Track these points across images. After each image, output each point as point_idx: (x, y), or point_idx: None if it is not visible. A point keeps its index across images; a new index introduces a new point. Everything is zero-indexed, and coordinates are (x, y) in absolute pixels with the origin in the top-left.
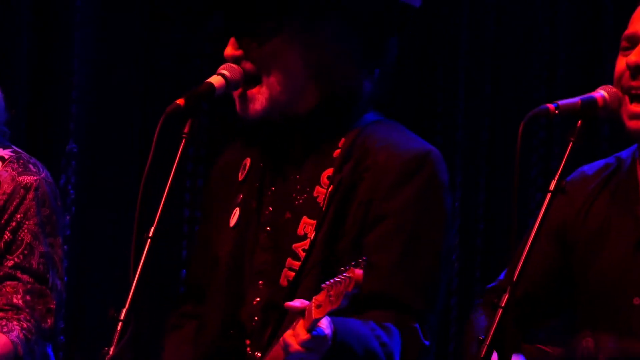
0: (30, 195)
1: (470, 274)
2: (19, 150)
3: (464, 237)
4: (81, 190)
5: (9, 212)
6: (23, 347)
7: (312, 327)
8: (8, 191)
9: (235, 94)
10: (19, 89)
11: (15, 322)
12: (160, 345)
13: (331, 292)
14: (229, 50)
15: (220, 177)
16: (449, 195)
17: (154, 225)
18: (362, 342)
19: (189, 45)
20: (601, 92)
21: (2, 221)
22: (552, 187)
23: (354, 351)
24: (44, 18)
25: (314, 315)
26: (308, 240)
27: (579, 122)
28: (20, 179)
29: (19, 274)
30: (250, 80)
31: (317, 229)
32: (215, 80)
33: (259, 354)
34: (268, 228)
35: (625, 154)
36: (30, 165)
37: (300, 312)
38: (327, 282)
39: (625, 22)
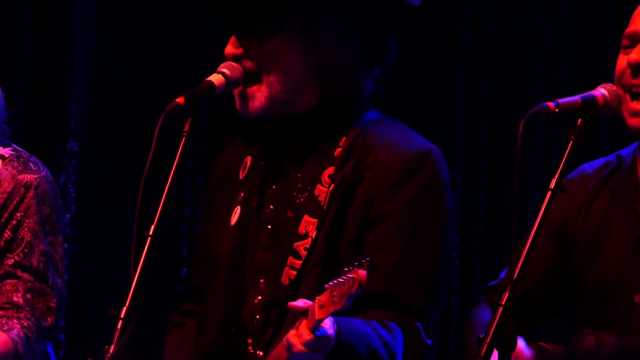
0: (31, 193)
1: (471, 273)
2: (19, 148)
3: (464, 236)
4: (81, 188)
5: (9, 210)
6: (23, 345)
7: (316, 327)
8: (8, 190)
9: (235, 92)
10: (19, 89)
11: (15, 321)
12: (161, 344)
13: (334, 293)
14: (230, 49)
15: (221, 176)
16: (450, 193)
17: (154, 223)
18: (364, 341)
19: (189, 45)
20: (601, 91)
21: (3, 220)
22: (552, 185)
23: (356, 351)
24: (44, 18)
25: (317, 316)
26: (309, 239)
27: (579, 120)
28: (20, 177)
29: (19, 273)
30: (251, 78)
31: (319, 228)
32: (216, 78)
33: (261, 353)
34: (269, 226)
35: (625, 152)
36: (31, 164)
37: (303, 312)
38: (331, 283)
39: (625, 21)
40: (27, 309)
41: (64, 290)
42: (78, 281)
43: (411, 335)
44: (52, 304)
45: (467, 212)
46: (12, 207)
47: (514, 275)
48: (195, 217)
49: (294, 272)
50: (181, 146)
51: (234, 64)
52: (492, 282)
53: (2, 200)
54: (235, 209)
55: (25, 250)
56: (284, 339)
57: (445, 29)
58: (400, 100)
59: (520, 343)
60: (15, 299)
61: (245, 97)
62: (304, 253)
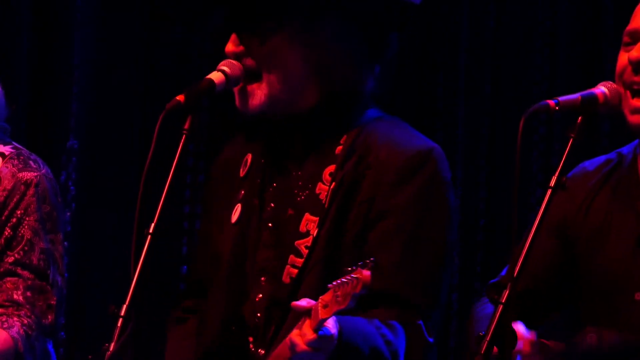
0: (31, 191)
1: (471, 270)
2: (19, 146)
3: (465, 233)
4: (81, 186)
5: (9, 208)
6: (23, 343)
7: (319, 327)
8: (8, 187)
9: (235, 89)
10: (19, 89)
11: (15, 318)
12: (162, 341)
13: (338, 293)
14: (230, 47)
15: (221, 174)
16: (451, 192)
17: (155, 221)
18: (367, 340)
19: (189, 45)
20: (601, 89)
21: (3, 217)
22: (552, 183)
23: (359, 350)
24: (44, 18)
25: (320, 315)
26: (311, 237)
27: (580, 118)
28: (20, 175)
29: (19, 270)
30: (251, 76)
31: (320, 226)
32: (216, 76)
33: (262, 351)
34: (270, 224)
35: (626, 149)
36: (31, 162)
37: (306, 312)
38: (334, 282)
39: (625, 21)
40: (28, 306)
41: (64, 288)
42: (78, 279)
43: (413, 333)
44: (52, 302)
45: (467, 210)
46: (12, 204)
47: (514, 273)
48: (196, 214)
49: (295, 271)
50: (181, 144)
51: (234, 61)
52: (493, 280)
53: (2, 198)
54: (236, 207)
55: (26, 248)
56: (287, 338)
57: (445, 29)
58: (400, 98)
59: (520, 327)
60: (15, 296)
61: (245, 94)
62: (305, 251)
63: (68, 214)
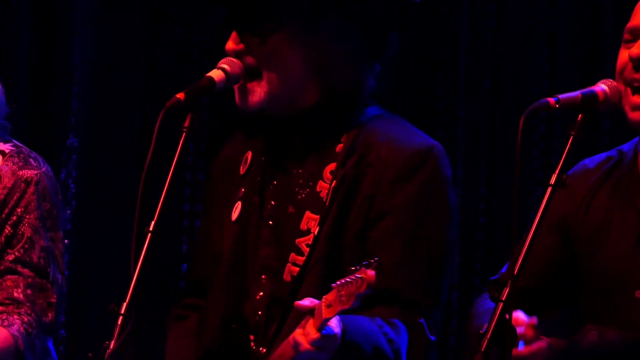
0: (31, 189)
1: (471, 268)
2: (19, 144)
3: (465, 231)
4: (82, 184)
5: (9, 206)
6: (24, 341)
7: (322, 326)
8: (9, 185)
9: (235, 86)
10: (19, 89)
11: (15, 316)
12: (162, 338)
13: (342, 292)
14: (230, 45)
15: (221, 172)
16: (452, 189)
17: (155, 219)
18: (370, 339)
19: (189, 45)
20: (602, 86)
21: (3, 215)
22: (552, 181)
23: (362, 349)
24: (44, 18)
25: (324, 315)
26: (311, 235)
27: (580, 116)
28: (20, 173)
29: (19, 268)
30: (251, 74)
31: (321, 224)
32: (216, 74)
33: (264, 350)
34: (270, 222)
35: (626, 147)
36: (31, 160)
37: (310, 311)
38: (338, 282)
39: (625, 21)
40: (28, 304)
41: (64, 286)
42: (79, 277)
43: (415, 332)
44: (52, 300)
45: (467, 208)
46: (12, 202)
47: (514, 270)
48: (196, 213)
49: (297, 269)
50: (181, 142)
51: (234, 59)
52: (494, 276)
53: (2, 196)
54: (236, 205)
55: (26, 246)
56: (291, 337)
57: (445, 29)
58: (401, 96)
59: (520, 313)
60: (15, 294)
61: (245, 92)
62: (306, 249)
63: (68, 211)
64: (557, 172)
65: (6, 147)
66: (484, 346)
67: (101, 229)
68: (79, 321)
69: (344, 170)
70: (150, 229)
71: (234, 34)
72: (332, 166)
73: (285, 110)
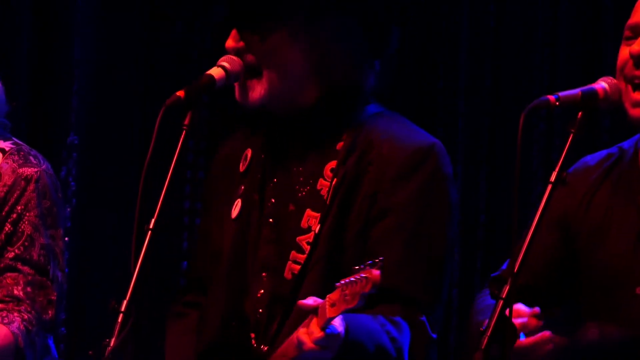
0: (31, 187)
1: (472, 266)
2: (19, 142)
3: (465, 229)
4: (82, 182)
5: (9, 204)
6: (24, 338)
7: (326, 325)
8: (9, 183)
9: (236, 83)
10: (19, 89)
11: (15, 314)
12: (162, 336)
13: (346, 292)
14: (230, 42)
15: (221, 169)
16: (453, 187)
17: (155, 217)
18: (372, 338)
19: (189, 45)
20: (602, 84)
21: (3, 213)
22: (552, 178)
23: (365, 348)
24: (44, 18)
25: (328, 314)
26: (312, 233)
27: (580, 113)
28: (21, 170)
29: (19, 266)
30: (251, 72)
31: (322, 222)
32: (216, 72)
33: (265, 348)
34: (271, 220)
35: (627, 144)
36: (31, 157)
37: (313, 310)
38: (342, 281)
39: (625, 20)
40: (28, 302)
41: (64, 284)
42: (79, 275)
43: (417, 329)
44: (52, 297)
45: (467, 205)
46: (12, 200)
47: (514, 268)
48: (196, 210)
49: (298, 267)
50: (181, 139)
51: (234, 57)
52: (495, 273)
53: (2, 193)
54: (236, 202)
55: (26, 244)
56: (294, 336)
57: (445, 29)
58: (400, 94)
59: (521, 305)
60: (15, 292)
61: (245, 88)
62: (306, 247)
63: (68, 209)
64: (557, 169)
65: (6, 144)
66: (484, 343)
67: (101, 226)
68: (79, 319)
69: (345, 168)
70: (151, 226)
71: (234, 32)
72: (332, 164)
73: (286, 108)
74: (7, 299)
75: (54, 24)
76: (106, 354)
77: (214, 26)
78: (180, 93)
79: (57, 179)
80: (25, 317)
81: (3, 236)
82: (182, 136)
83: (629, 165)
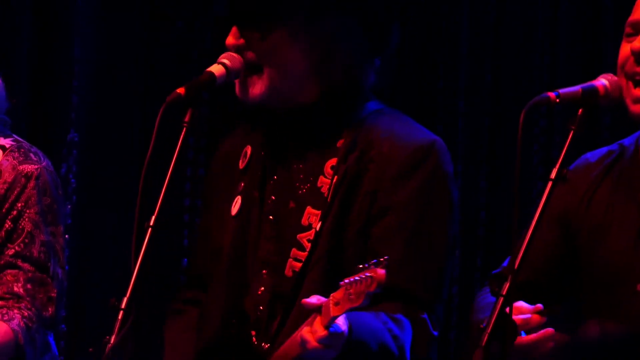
0: (31, 184)
1: (472, 263)
2: (19, 139)
3: (466, 226)
4: (82, 179)
5: (9, 201)
6: (24, 335)
7: (330, 324)
8: (9, 180)
9: (236, 80)
10: (19, 89)
11: (16, 311)
12: (161, 330)
13: (351, 291)
14: (231, 40)
15: (221, 166)
16: (453, 185)
17: (155, 214)
18: (375, 336)
19: (189, 45)
20: (602, 81)
21: (3, 210)
22: (553, 175)
23: (368, 346)
24: (44, 18)
25: (332, 313)
26: (313, 230)
27: (580, 110)
28: (21, 167)
29: (19, 263)
30: (252, 69)
31: (322, 220)
32: (216, 69)
33: (266, 345)
34: (271, 217)
35: (628, 141)
36: (31, 154)
37: (317, 309)
38: (346, 280)
39: (625, 20)
40: (28, 299)
41: (64, 281)
42: (79, 272)
43: (419, 327)
44: (52, 294)
45: (468, 202)
46: (12, 197)
47: (514, 265)
48: (196, 208)
49: (299, 264)
50: (182, 137)
51: (234, 54)
52: (495, 271)
53: (2, 190)
54: (236, 199)
55: (26, 241)
56: (297, 335)
57: (445, 29)
58: (401, 93)
59: (522, 303)
60: (15, 289)
61: (245, 84)
62: (307, 245)
63: (69, 206)
64: (557, 166)
65: (6, 141)
66: (485, 340)
67: (102, 224)
68: (79, 316)
69: (346, 166)
70: (151, 223)
71: (234, 29)
72: (333, 161)
73: (286, 105)
74: (7, 296)
75: (54, 24)
76: (106, 351)
77: (214, 23)
78: (180, 90)
79: (57, 176)
80: (26, 314)
81: (3, 233)
82: (183, 133)
83: (629, 162)
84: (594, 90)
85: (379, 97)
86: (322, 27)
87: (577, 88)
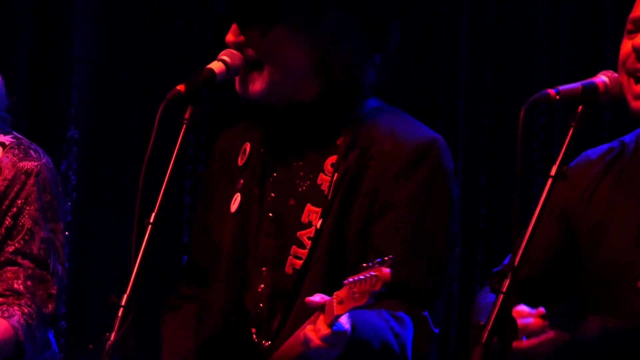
0: (31, 181)
1: (472, 260)
2: (19, 136)
3: (466, 222)
4: (82, 176)
5: (9, 197)
6: (24, 332)
7: (333, 322)
8: (9, 177)
9: (236, 78)
10: (19, 89)
11: (16, 308)
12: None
13: (355, 289)
14: (231, 37)
15: (220, 164)
16: (454, 182)
17: (155, 211)
18: (378, 335)
19: (189, 45)
20: (602, 78)
21: (3, 207)
22: (553, 172)
23: (371, 345)
24: (44, 18)
25: (335, 312)
26: (313, 228)
27: (580, 107)
28: (21, 164)
29: (19, 260)
30: (252, 66)
31: (323, 217)
32: (216, 66)
33: (267, 343)
34: (270, 214)
35: (628, 137)
36: (31, 151)
37: (320, 307)
38: (350, 279)
39: (625, 20)
40: (28, 296)
41: (64, 278)
42: (79, 268)
43: (420, 325)
44: (52, 291)
45: (468, 199)
46: (12, 194)
47: (515, 262)
48: (196, 205)
49: (299, 262)
50: (182, 134)
51: (234, 51)
52: (496, 268)
53: (2, 187)
54: (235, 196)
55: (26, 238)
56: (300, 333)
57: (445, 29)
58: (401, 93)
59: (524, 306)
60: (15, 286)
61: (246, 80)
62: (307, 242)
63: (69, 203)
64: (557, 163)
65: (6, 138)
66: (484, 338)
67: (102, 221)
68: (79, 312)
69: (346, 163)
70: (151, 220)
71: (234, 26)
72: (333, 159)
73: (286, 102)
74: (7, 292)
75: (54, 24)
76: (106, 348)
77: (214, 22)
78: (180, 87)
79: (57, 172)
80: (26, 310)
81: (3, 230)
82: (183, 130)
83: (630, 159)
84: (594, 87)
85: (379, 96)
86: (322, 26)
87: (577, 85)
